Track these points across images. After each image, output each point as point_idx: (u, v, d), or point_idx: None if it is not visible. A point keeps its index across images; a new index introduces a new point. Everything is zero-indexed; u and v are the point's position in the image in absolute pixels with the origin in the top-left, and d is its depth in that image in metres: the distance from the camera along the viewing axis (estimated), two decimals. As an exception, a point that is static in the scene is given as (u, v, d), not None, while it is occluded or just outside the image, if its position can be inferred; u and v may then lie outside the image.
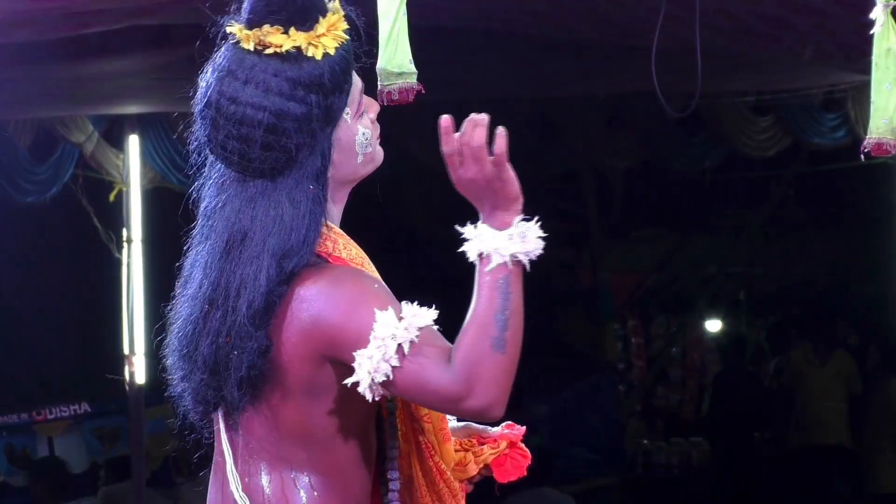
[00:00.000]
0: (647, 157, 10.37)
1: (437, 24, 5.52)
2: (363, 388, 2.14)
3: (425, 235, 11.12)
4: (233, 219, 2.24)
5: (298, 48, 2.22)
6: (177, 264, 2.36)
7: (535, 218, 2.19)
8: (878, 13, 2.91)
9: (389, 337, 2.12)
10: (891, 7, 2.91)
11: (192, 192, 2.36)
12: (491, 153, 2.16)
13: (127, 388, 8.74)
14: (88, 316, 9.57)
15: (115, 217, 8.82)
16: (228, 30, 2.26)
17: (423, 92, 2.82)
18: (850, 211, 11.98)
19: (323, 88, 2.22)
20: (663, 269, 12.97)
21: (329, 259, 2.27)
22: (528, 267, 2.17)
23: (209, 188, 2.31)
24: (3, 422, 8.99)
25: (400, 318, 2.14)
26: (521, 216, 2.18)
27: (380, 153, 2.38)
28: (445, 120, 2.19)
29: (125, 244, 8.76)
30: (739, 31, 5.85)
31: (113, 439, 9.30)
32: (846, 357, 9.66)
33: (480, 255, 2.16)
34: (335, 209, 2.34)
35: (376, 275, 2.30)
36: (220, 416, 2.33)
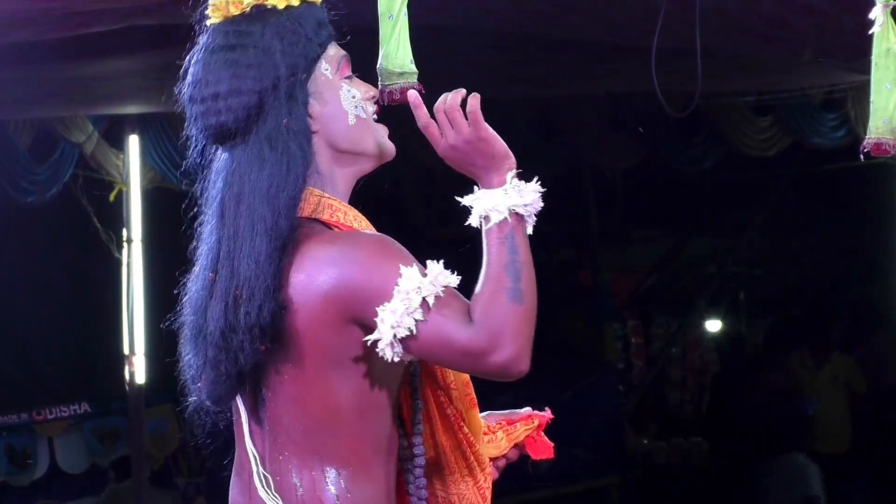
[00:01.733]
0: (647, 157, 10.36)
1: (437, 24, 5.52)
2: (384, 346, 2.12)
3: (426, 235, 11.12)
4: (224, 189, 2.26)
5: (261, 3, 2.27)
6: (182, 266, 2.36)
7: (535, 179, 2.20)
8: (877, 13, 2.91)
9: (414, 290, 2.11)
10: (891, 7, 2.91)
11: (192, 192, 2.38)
12: (465, 116, 2.19)
13: (127, 388, 8.75)
14: (88, 316, 9.56)
15: (115, 217, 8.83)
16: (206, 14, 2.33)
17: (424, 92, 2.82)
18: (850, 211, 11.97)
19: (286, 36, 2.26)
20: (663, 269, 12.96)
21: (340, 227, 2.27)
22: (530, 223, 2.18)
23: (208, 183, 2.34)
24: (3, 422, 8.99)
25: (424, 274, 2.13)
26: (515, 172, 2.20)
27: (388, 141, 2.39)
28: (413, 95, 2.22)
29: (125, 244, 8.77)
30: (739, 31, 5.85)
31: (113, 439, 9.30)
32: (843, 359, 9.62)
33: (483, 217, 2.18)
34: (340, 180, 2.33)
35: None
36: (243, 415, 2.30)
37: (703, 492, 10.50)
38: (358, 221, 2.30)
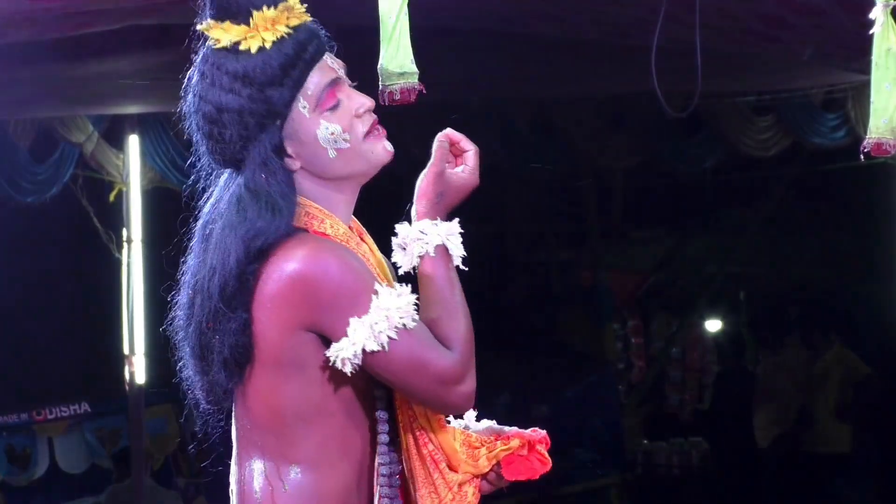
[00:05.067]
0: (647, 157, 10.36)
1: (437, 24, 5.52)
2: (347, 355, 2.13)
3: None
4: (210, 210, 2.29)
5: (237, 42, 2.24)
6: (179, 266, 2.37)
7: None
8: (878, 13, 2.91)
9: (395, 308, 2.13)
10: (891, 7, 2.91)
11: (191, 193, 2.38)
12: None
13: (127, 388, 8.75)
14: (88, 316, 9.57)
15: (115, 217, 8.83)
16: (199, 28, 2.31)
17: (425, 92, 2.81)
18: (850, 211, 11.97)
19: (255, 82, 2.22)
20: (663, 269, 12.96)
21: (310, 231, 2.26)
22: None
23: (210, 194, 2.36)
24: (3, 422, 9.00)
25: (399, 296, 2.16)
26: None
27: (379, 151, 2.34)
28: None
29: (125, 244, 8.77)
30: (739, 31, 5.85)
31: (113, 439, 9.30)
32: (840, 353, 9.59)
33: (437, 247, 2.23)
34: (341, 202, 2.32)
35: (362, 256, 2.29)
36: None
37: (703, 492, 10.50)
38: (334, 229, 2.28)
